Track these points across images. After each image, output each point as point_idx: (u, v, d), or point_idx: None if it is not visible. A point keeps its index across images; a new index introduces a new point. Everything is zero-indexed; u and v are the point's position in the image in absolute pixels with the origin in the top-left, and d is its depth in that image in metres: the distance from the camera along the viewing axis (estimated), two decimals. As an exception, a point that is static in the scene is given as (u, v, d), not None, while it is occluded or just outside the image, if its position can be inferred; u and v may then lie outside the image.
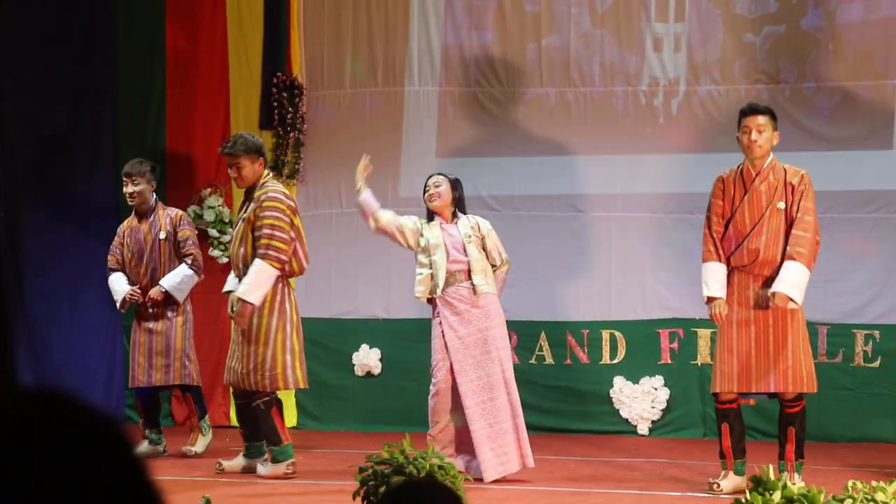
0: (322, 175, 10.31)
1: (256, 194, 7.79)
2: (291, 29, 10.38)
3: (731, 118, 9.39)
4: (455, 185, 7.96)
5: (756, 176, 7.25)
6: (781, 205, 7.21)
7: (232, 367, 7.89)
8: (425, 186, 7.99)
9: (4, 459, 0.94)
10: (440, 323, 7.83)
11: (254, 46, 10.43)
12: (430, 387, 7.86)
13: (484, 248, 7.87)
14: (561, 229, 9.70)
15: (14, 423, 0.96)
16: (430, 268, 7.82)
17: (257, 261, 7.62)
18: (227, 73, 10.48)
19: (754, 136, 7.18)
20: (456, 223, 7.91)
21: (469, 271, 7.78)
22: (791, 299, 7.01)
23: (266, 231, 7.63)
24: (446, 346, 7.78)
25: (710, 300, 7.30)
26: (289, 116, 10.23)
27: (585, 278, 9.79)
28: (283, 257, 7.64)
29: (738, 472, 7.24)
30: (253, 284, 7.61)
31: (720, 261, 7.29)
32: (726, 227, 7.29)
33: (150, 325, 8.69)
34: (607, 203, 9.86)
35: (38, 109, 10.23)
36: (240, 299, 7.60)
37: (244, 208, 7.92)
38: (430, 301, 7.91)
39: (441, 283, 7.77)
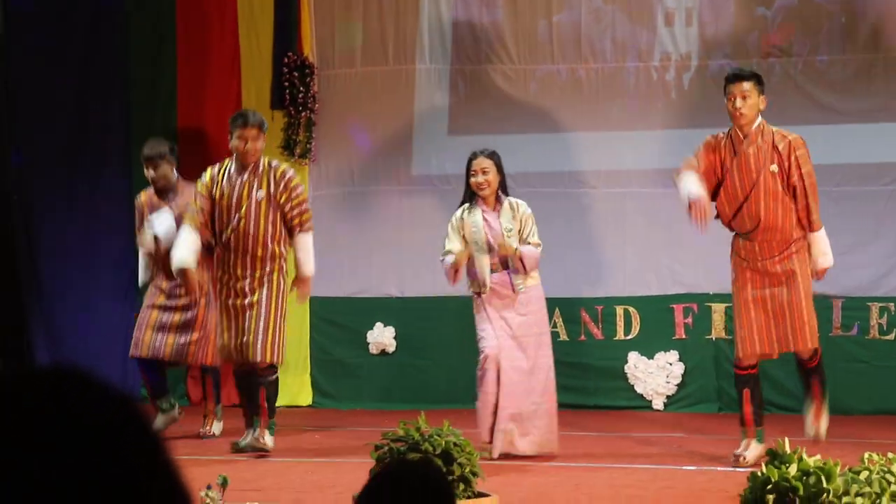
0: (334, 154, 10.33)
1: (279, 171, 7.96)
2: (302, 8, 10.38)
3: None
4: (500, 165, 7.84)
5: (744, 139, 7.32)
6: (774, 168, 7.29)
7: (246, 341, 7.88)
8: (471, 170, 7.81)
9: (22, 439, 0.93)
10: (483, 302, 7.82)
11: (264, 26, 10.43)
12: (479, 357, 7.84)
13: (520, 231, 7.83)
14: (574, 206, 9.71)
15: (32, 401, 0.96)
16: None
17: (304, 236, 8.00)
18: (238, 54, 10.49)
19: (738, 102, 7.26)
20: (499, 211, 7.82)
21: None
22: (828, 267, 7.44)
23: (304, 206, 8.04)
24: (490, 320, 7.78)
25: (691, 204, 7.24)
26: (300, 96, 10.24)
27: (599, 254, 9.82)
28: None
29: (759, 440, 7.38)
30: (310, 259, 8.00)
31: (698, 171, 7.38)
32: (716, 191, 7.38)
33: (172, 302, 8.65)
34: (620, 179, 9.88)
35: (50, 93, 10.27)
36: (307, 276, 7.98)
37: (248, 185, 7.92)
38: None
39: (487, 280, 7.73)
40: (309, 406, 10.18)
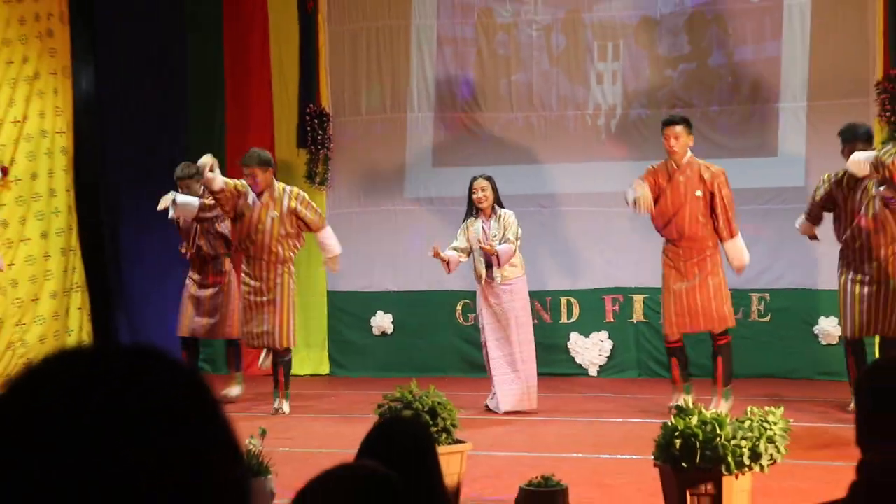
0: (345, 182, 10.27)
1: (293, 193, 8.07)
2: (320, 70, 10.32)
3: (657, 133, 9.46)
4: (494, 185, 7.96)
5: (676, 170, 7.39)
6: (699, 193, 7.32)
7: (268, 330, 7.97)
8: (472, 188, 7.94)
9: (124, 395, 0.91)
10: (480, 290, 7.98)
11: (292, 84, 10.37)
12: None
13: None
14: (529, 221, 9.38)
15: (123, 369, 0.94)
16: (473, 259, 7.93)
17: (325, 230, 8.22)
18: (272, 105, 10.45)
19: (672, 142, 7.37)
20: (492, 220, 7.93)
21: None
22: (745, 265, 7.47)
23: (318, 211, 8.25)
24: (483, 306, 7.96)
25: (635, 201, 7.43)
26: (319, 137, 10.19)
27: (548, 258, 9.71)
28: None
29: (686, 392, 7.37)
30: (335, 243, 8.32)
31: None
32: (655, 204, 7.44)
33: (202, 292, 8.70)
34: (564, 200, 9.81)
35: (132, 134, 10.23)
36: (336, 254, 8.25)
37: (265, 207, 7.95)
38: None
39: (483, 271, 7.87)
40: (327, 374, 10.14)
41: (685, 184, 7.37)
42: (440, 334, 9.91)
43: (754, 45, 9.56)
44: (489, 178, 7.99)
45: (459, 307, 9.87)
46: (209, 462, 0.92)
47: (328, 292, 10.28)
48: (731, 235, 7.43)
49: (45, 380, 0.91)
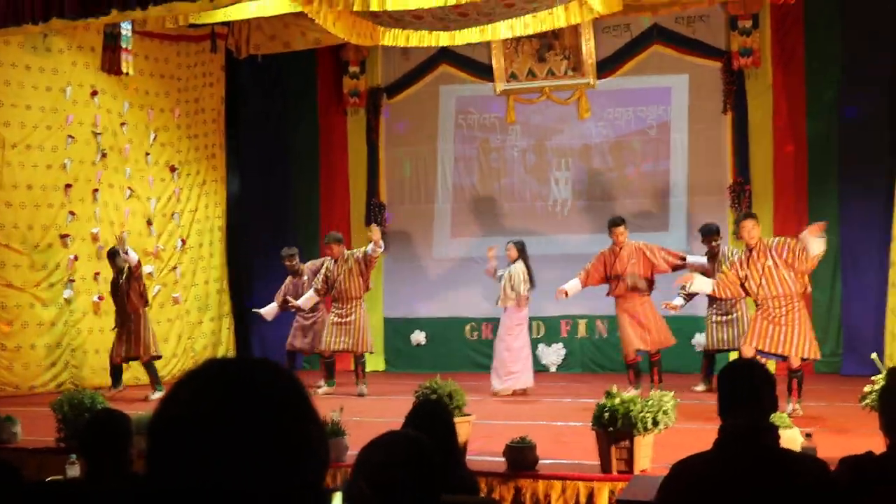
0: (396, 248, 10.14)
1: (352, 256, 8.01)
2: (380, 177, 10.27)
3: (595, 218, 9.31)
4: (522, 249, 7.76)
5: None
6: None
7: (349, 340, 7.90)
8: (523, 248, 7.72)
9: (249, 386, 0.90)
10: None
11: (362, 185, 10.27)
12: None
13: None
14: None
15: (249, 371, 0.93)
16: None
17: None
18: (350, 198, 10.36)
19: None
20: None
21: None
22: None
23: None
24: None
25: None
26: (379, 219, 10.12)
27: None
28: None
29: (636, 388, 6.99)
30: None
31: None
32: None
33: (307, 321, 8.44)
34: (535, 259, 9.31)
35: (261, 218, 10.14)
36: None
37: (339, 266, 7.96)
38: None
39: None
40: (383, 371, 10.01)
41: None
42: (455, 344, 9.83)
43: (653, 161, 9.54)
44: (517, 243, 7.85)
45: (468, 327, 9.83)
46: (302, 424, 0.92)
47: (384, 318, 10.25)
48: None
49: (202, 375, 0.93)
